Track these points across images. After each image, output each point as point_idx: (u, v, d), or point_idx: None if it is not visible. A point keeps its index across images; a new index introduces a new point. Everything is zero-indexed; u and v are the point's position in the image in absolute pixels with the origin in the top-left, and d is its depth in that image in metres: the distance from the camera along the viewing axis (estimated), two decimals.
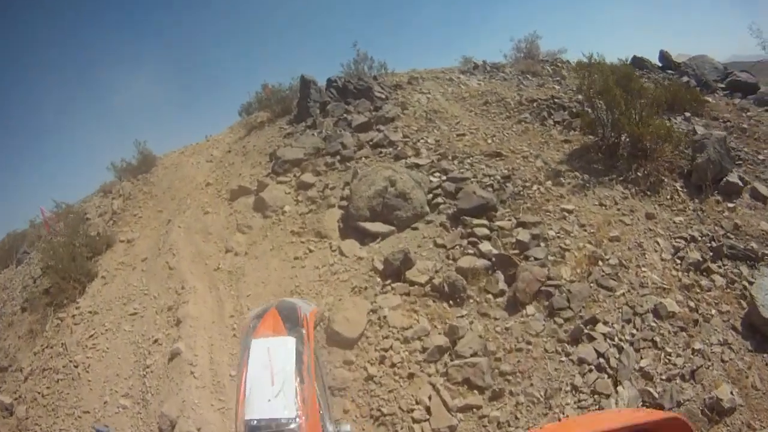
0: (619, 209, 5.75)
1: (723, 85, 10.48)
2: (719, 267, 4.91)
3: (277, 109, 10.04)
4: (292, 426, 0.94)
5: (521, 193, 5.73)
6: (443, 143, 7.31)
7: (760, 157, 6.68)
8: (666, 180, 6.16)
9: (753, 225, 5.41)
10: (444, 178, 6.05)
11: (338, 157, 7.48)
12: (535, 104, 8.31)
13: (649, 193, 5.98)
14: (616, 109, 6.32)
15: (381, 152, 7.32)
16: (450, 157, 6.74)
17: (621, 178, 6.24)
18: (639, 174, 6.22)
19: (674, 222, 5.53)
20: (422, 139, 7.48)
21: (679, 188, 6.06)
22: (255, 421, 0.94)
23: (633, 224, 5.40)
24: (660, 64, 12.21)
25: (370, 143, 7.65)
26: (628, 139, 6.59)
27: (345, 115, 9.00)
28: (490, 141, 7.26)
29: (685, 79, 10.76)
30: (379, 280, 4.88)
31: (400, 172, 5.90)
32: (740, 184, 5.90)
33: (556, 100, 8.30)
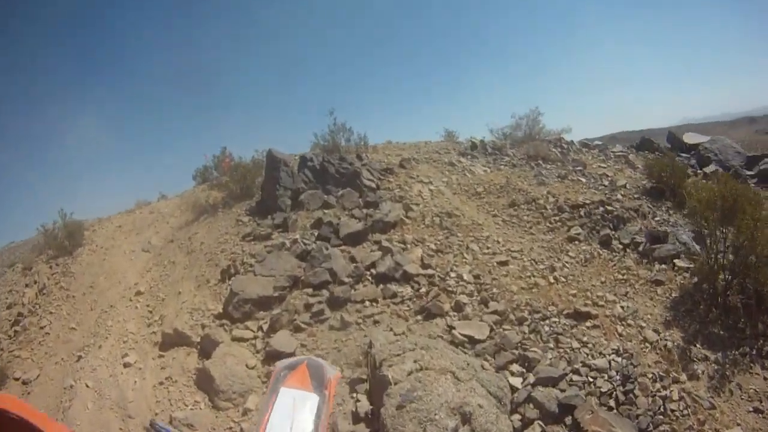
0: None
1: (752, 173, 9.29)
2: None
3: (236, 189, 7.36)
4: None
5: (662, 409, 3.48)
6: (485, 279, 4.96)
7: None
8: None
9: None
10: (531, 379, 3.61)
11: (326, 295, 4.90)
12: (582, 212, 6.30)
13: None
14: (754, 256, 4.41)
15: (395, 295, 4.81)
16: (514, 319, 4.37)
17: (753, 352, 4.39)
18: None
19: None
20: (452, 270, 5.08)
21: None
22: None
23: None
24: (668, 145, 11.01)
25: (373, 273, 5.14)
26: (735, 281, 4.75)
27: (325, 210, 6.50)
28: (551, 278, 5.03)
29: (712, 167, 9.48)
30: None
31: (467, 379, 3.29)
32: None
33: (608, 208, 6.35)
